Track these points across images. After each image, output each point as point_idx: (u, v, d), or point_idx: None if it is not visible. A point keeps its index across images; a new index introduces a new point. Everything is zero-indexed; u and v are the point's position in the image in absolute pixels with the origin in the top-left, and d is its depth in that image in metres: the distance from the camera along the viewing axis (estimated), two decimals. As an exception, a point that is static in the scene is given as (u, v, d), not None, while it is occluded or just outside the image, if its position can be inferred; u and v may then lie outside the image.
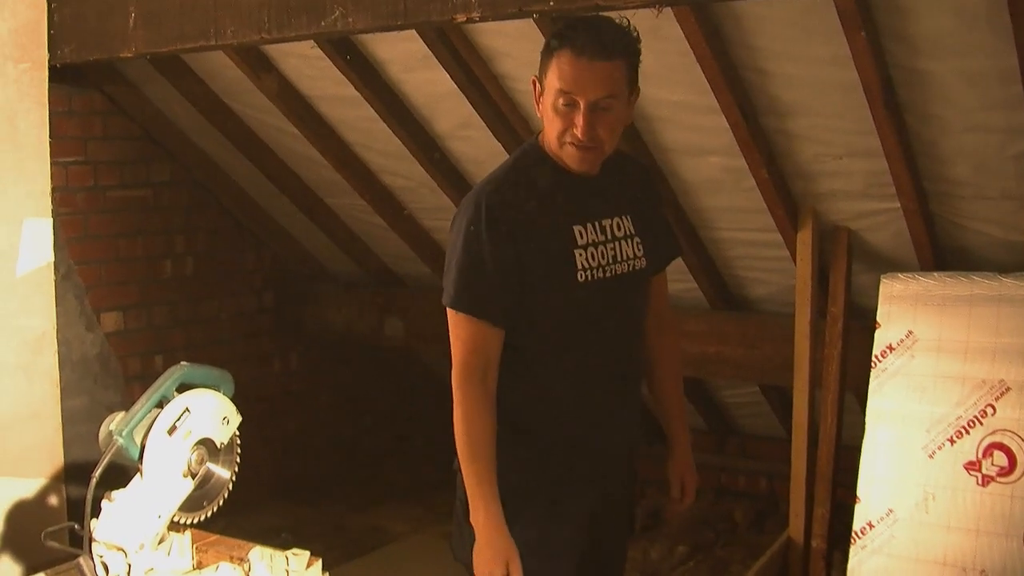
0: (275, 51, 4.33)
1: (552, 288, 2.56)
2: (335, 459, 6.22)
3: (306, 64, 4.34)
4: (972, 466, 3.66)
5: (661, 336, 2.91)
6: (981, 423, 3.66)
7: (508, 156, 4.13)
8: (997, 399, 3.64)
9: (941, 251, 4.03)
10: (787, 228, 4.09)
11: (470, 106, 4.17)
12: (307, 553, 2.38)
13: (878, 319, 3.92)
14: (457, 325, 2.51)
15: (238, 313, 5.78)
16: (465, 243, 2.49)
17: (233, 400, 2.46)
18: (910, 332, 3.85)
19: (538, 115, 2.57)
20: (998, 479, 3.61)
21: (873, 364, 3.90)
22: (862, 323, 4.09)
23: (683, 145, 3.96)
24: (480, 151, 4.45)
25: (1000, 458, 3.61)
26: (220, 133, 5.06)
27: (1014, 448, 3.59)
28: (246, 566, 2.32)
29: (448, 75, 4.04)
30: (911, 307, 3.87)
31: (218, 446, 2.40)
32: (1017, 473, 3.58)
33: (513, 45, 3.81)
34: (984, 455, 3.64)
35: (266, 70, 4.44)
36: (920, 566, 3.70)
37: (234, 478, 2.45)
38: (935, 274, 3.89)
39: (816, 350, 4.18)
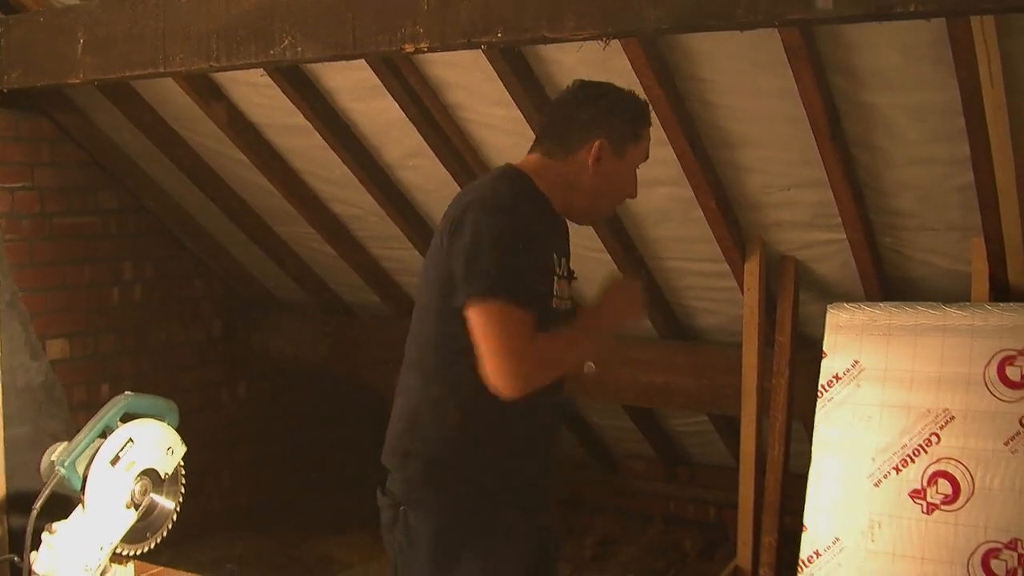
0: (225, 79, 4.32)
1: (536, 310, 2.50)
2: (285, 488, 6.17)
3: (256, 92, 4.33)
4: (917, 494, 3.69)
5: None
6: (926, 452, 3.70)
7: (459, 184, 4.21)
8: (942, 428, 3.68)
9: (887, 281, 4.08)
10: (735, 258, 4.12)
11: (419, 135, 4.17)
12: (255, 586, 2.35)
13: (824, 349, 3.95)
14: (502, 312, 2.39)
15: (186, 341, 5.72)
16: (500, 230, 2.45)
17: (178, 430, 2.44)
18: (856, 362, 3.89)
19: (589, 174, 2.63)
20: (942, 507, 3.64)
21: (820, 393, 3.92)
22: (809, 353, 4.12)
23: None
24: (429, 180, 4.45)
25: (944, 486, 3.64)
26: (169, 160, 5.02)
27: (958, 476, 3.62)
28: (190, 598, 2.30)
29: (398, 104, 4.04)
30: (857, 337, 3.90)
31: (162, 476, 2.38)
32: (961, 501, 3.61)
33: (463, 76, 3.82)
34: (929, 483, 3.68)
35: (216, 98, 4.43)
36: (867, 594, 3.73)
37: (178, 509, 2.43)
38: (881, 304, 3.93)
39: (764, 379, 4.21)
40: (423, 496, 2.56)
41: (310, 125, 4.35)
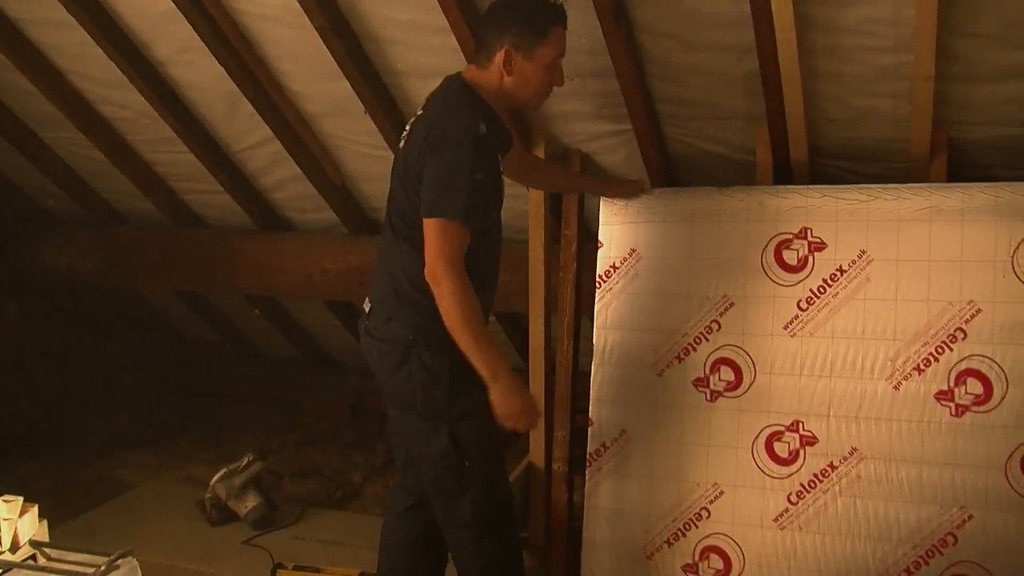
0: (-24, -31, 4.04)
1: (495, 206, 3.22)
2: (62, 411, 5.93)
3: (12, -16, 4.06)
4: (700, 382, 3.74)
5: None
6: (707, 339, 3.74)
7: (234, 80, 4.07)
8: (722, 314, 3.72)
9: (673, 172, 4.09)
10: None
11: (190, 28, 3.98)
12: (20, 500, 2.21)
13: (600, 238, 3.94)
14: (454, 232, 2.99)
15: (-54, 261, 5.40)
16: (467, 168, 3.00)
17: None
18: (633, 250, 3.89)
19: (494, 73, 3.15)
20: (726, 394, 3.70)
21: (598, 284, 3.92)
22: (596, 247, 4.10)
23: (413, 67, 3.89)
24: (203, 76, 4.27)
25: (727, 373, 3.70)
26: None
27: (739, 362, 3.68)
28: (-51, 514, 2.13)
29: (165, -6, 3.85)
30: (633, 226, 3.90)
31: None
32: (744, 387, 3.67)
33: (233, -39, 3.67)
34: (711, 371, 3.72)
35: (-34, -9, 4.14)
36: (656, 483, 3.78)
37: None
38: (655, 191, 3.94)
39: (551, 275, 4.19)
40: (436, 338, 3.08)
41: (73, 19, 4.11)
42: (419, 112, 3.26)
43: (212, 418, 6.13)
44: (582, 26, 3.47)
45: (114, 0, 4.04)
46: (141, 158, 4.96)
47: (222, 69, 4.13)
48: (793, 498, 3.59)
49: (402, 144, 3.26)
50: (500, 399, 3.05)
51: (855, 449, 3.51)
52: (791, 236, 3.66)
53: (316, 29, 3.77)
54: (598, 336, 3.91)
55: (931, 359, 3.45)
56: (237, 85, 4.21)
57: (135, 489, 5.26)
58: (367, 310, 3.32)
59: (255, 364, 6.26)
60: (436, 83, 3.76)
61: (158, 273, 5.37)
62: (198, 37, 4.01)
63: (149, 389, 6.31)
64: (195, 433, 5.95)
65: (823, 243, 3.61)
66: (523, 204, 4.22)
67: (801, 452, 3.58)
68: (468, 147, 3.02)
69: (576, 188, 4.15)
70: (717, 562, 3.68)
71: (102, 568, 2.03)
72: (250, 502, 4.67)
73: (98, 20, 4.10)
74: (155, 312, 6.12)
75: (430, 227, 3.02)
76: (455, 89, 3.19)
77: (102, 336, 6.11)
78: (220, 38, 4.00)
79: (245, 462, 4.77)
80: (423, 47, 3.78)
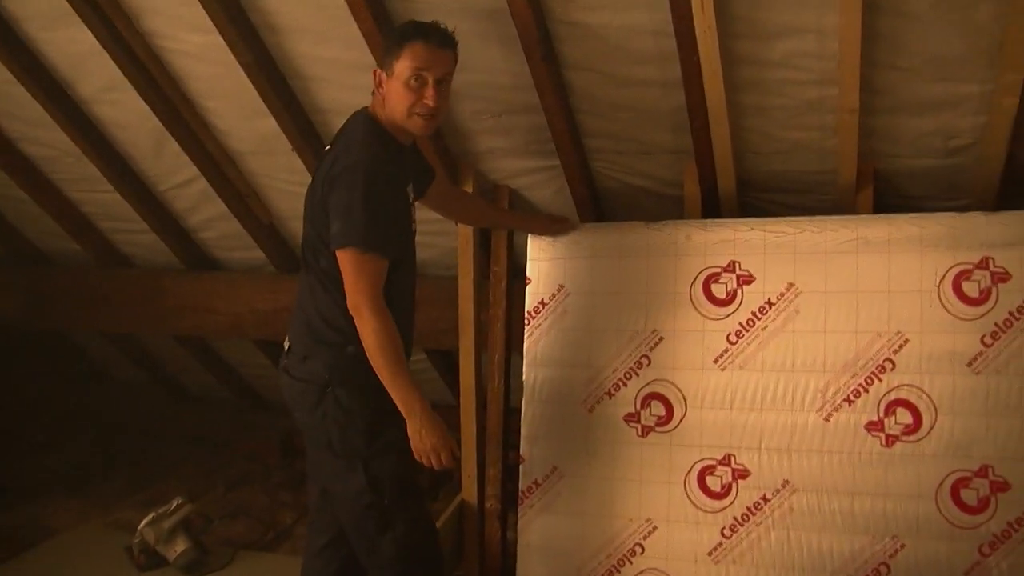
0: None
1: (403, 233, 3.21)
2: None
3: (-70, 21, 3.98)
4: (631, 418, 3.73)
5: None
6: (638, 374, 3.73)
7: (160, 119, 4.01)
8: (651, 349, 3.72)
9: (601, 207, 4.09)
10: (448, 189, 4.04)
11: (116, 66, 3.93)
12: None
13: (528, 274, 3.94)
14: (367, 263, 3.00)
15: None
16: (367, 196, 2.98)
17: None
18: (561, 286, 3.88)
19: (379, 99, 3.13)
20: (657, 429, 3.69)
21: (527, 320, 3.91)
22: (525, 282, 4.10)
23: (339, 105, 3.84)
24: (128, 115, 4.21)
25: (658, 408, 3.69)
26: None
27: (670, 397, 3.68)
28: None
29: (91, 33, 3.80)
30: (561, 261, 3.90)
31: None
32: (674, 421, 3.67)
33: (159, 0, 3.62)
34: (642, 406, 3.72)
35: None
36: (588, 519, 3.76)
37: None
38: (584, 226, 3.94)
39: (481, 311, 4.17)
40: (351, 377, 3.12)
41: (-7, 58, 4.03)
42: (327, 147, 3.26)
43: (139, 460, 6.01)
44: (507, 62, 3.49)
45: (37, 38, 3.98)
46: (66, 197, 4.88)
47: (147, 107, 4.08)
48: (727, 532, 3.59)
49: (311, 179, 3.24)
50: (415, 435, 3.03)
51: (787, 481, 3.52)
52: (719, 270, 3.67)
53: (241, 66, 3.73)
54: (527, 373, 3.90)
55: (861, 390, 3.46)
56: (163, 123, 4.16)
57: (61, 535, 5.13)
58: (286, 348, 3.30)
59: (182, 404, 6.16)
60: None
61: (84, 314, 5.27)
62: (123, 75, 3.97)
63: (74, 430, 6.19)
64: (121, 475, 5.83)
65: (751, 276, 3.63)
66: (452, 240, 4.21)
67: (733, 485, 3.58)
68: (368, 176, 3.01)
69: (503, 224, 4.13)
70: (652, 597, 3.68)
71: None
72: (179, 546, 4.58)
73: (21, 58, 4.04)
74: (79, 351, 6.01)
75: (343, 259, 3.02)
76: (360, 122, 3.18)
77: (21, 376, 5.98)
78: (145, 75, 3.95)
79: (174, 505, 4.68)
80: (349, 84, 3.75)
